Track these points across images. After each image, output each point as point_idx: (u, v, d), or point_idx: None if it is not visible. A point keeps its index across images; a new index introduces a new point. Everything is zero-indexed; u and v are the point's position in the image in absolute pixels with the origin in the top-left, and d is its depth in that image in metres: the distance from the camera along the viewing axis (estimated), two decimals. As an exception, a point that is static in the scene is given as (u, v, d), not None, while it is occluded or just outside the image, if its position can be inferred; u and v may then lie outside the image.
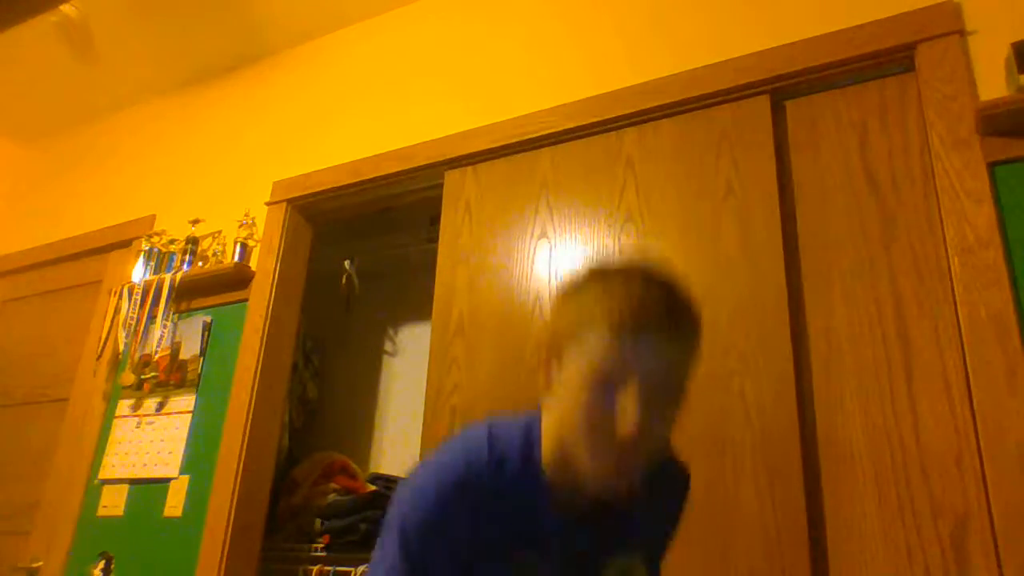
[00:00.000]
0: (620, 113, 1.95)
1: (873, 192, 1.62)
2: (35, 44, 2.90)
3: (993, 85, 1.53)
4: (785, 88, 1.78)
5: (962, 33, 1.59)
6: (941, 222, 1.51)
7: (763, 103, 1.78)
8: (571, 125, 2.00)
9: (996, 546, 1.30)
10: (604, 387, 0.84)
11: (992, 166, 1.48)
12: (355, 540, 2.40)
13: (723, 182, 1.76)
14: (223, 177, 2.77)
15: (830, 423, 1.51)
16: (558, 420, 0.91)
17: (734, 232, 1.71)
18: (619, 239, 1.85)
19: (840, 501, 1.45)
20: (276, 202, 2.53)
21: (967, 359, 1.41)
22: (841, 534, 1.43)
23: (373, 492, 2.55)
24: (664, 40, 1.99)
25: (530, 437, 0.94)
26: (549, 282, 1.91)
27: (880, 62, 1.68)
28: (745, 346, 1.61)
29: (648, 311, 0.84)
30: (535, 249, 1.96)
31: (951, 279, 1.47)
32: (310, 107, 2.62)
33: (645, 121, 1.92)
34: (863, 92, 1.71)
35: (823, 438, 1.50)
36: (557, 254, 1.93)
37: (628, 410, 0.83)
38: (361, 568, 2.15)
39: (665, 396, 0.89)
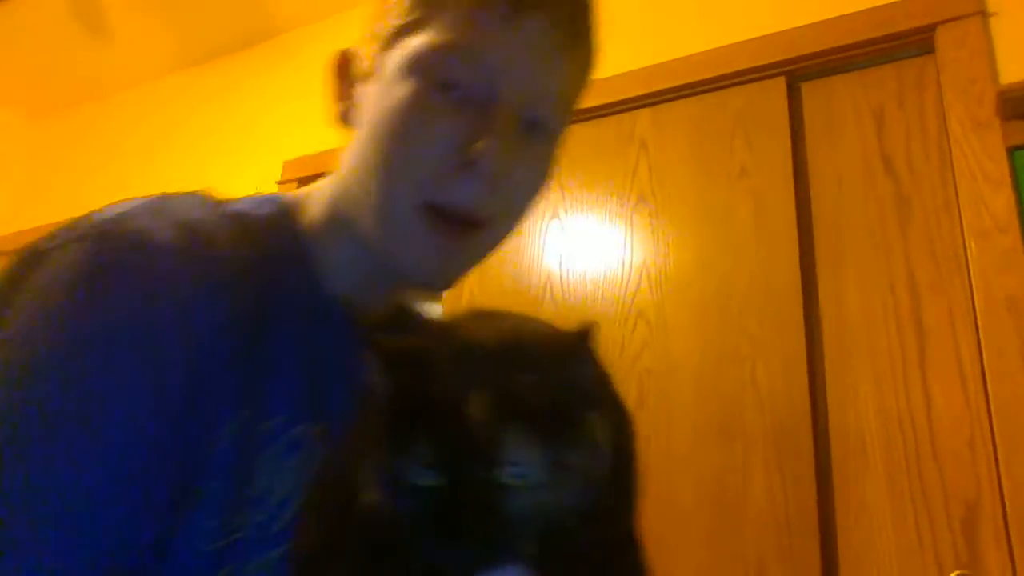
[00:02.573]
0: (634, 94, 1.93)
1: (889, 175, 1.60)
2: (47, 19, 2.89)
3: (1015, 68, 1.51)
4: (801, 70, 1.76)
5: (984, 14, 1.57)
6: (958, 206, 1.50)
7: (779, 85, 1.76)
8: (585, 105, 1.98)
9: (1007, 532, 1.30)
10: (455, 93, 0.59)
11: (1011, 150, 1.46)
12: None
13: (737, 164, 1.75)
14: (233, 156, 2.77)
15: (842, 408, 1.50)
16: (357, 159, 0.63)
17: (748, 215, 1.69)
18: (631, 220, 1.84)
19: (851, 486, 1.45)
20: (286, 181, 2.52)
21: (982, 344, 1.40)
22: (851, 519, 1.43)
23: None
24: (679, 21, 1.97)
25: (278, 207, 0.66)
26: (560, 263, 1.90)
27: (899, 44, 1.66)
28: (757, 330, 1.60)
29: None
30: (547, 229, 1.95)
31: (967, 264, 1.46)
32: (321, 86, 2.60)
33: (659, 102, 1.91)
34: (881, 74, 1.68)
35: (835, 423, 1.50)
36: (568, 235, 1.92)
37: (492, 127, 0.58)
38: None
39: (543, 137, 0.64)
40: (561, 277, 1.88)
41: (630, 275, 1.79)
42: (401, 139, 0.60)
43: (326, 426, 0.58)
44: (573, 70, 0.66)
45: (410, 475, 0.41)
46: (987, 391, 1.38)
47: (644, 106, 1.92)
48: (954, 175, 1.51)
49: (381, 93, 0.62)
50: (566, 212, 1.95)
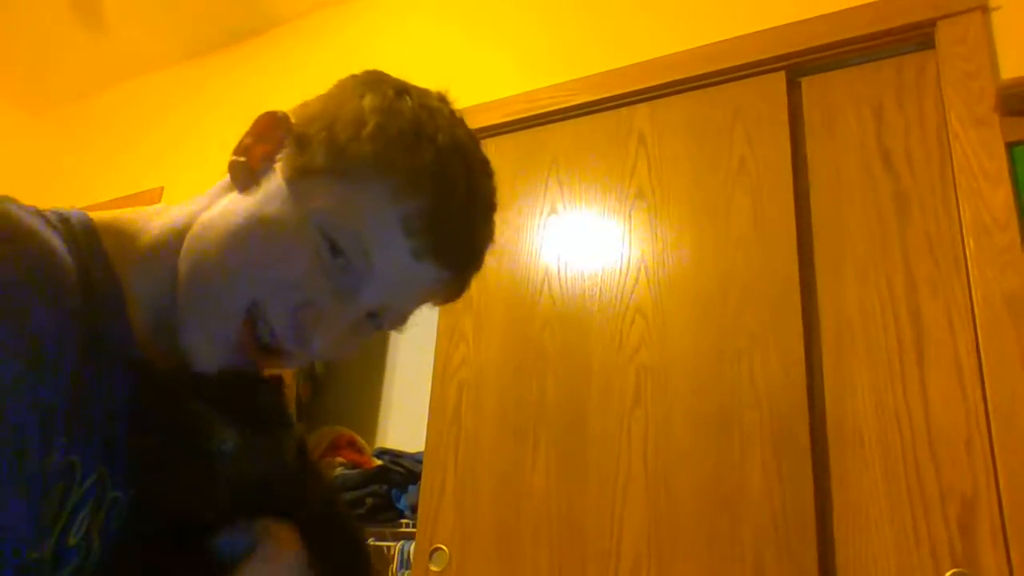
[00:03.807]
0: (632, 88, 1.92)
1: (888, 171, 1.60)
2: (44, 12, 2.88)
3: (1015, 63, 1.50)
4: (801, 65, 1.75)
5: (984, 9, 1.56)
6: (957, 203, 1.49)
7: (778, 80, 1.75)
8: (583, 100, 1.98)
9: (1004, 529, 1.30)
10: (338, 268, 0.61)
11: (1011, 146, 1.46)
12: (361, 514, 2.41)
13: (736, 159, 1.74)
14: (231, 148, 2.75)
15: (839, 404, 1.50)
16: (220, 232, 0.62)
17: (746, 210, 1.69)
18: (630, 215, 1.83)
19: (848, 482, 1.45)
20: (284, 175, 2.52)
21: (980, 341, 1.40)
22: (848, 515, 1.43)
23: (380, 466, 2.56)
24: (678, 15, 1.96)
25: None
26: (558, 258, 1.89)
27: (899, 39, 1.65)
28: (755, 325, 1.59)
29: (468, 241, 0.66)
30: (545, 225, 1.95)
31: (966, 260, 1.46)
32: (319, 77, 2.57)
33: (658, 97, 1.90)
34: (880, 70, 1.68)
35: (832, 419, 1.50)
36: (567, 230, 1.92)
37: (343, 319, 0.62)
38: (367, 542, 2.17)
39: (375, 330, 0.68)
40: (559, 272, 1.87)
41: (628, 270, 1.78)
42: (274, 252, 0.61)
43: (106, 472, 0.57)
44: (430, 303, 0.69)
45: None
46: (984, 388, 1.37)
47: (642, 100, 1.92)
48: (953, 171, 1.51)
49: (283, 202, 0.62)
50: (564, 207, 1.94)
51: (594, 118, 1.97)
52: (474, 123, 2.26)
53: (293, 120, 0.66)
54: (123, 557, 0.57)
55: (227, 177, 0.67)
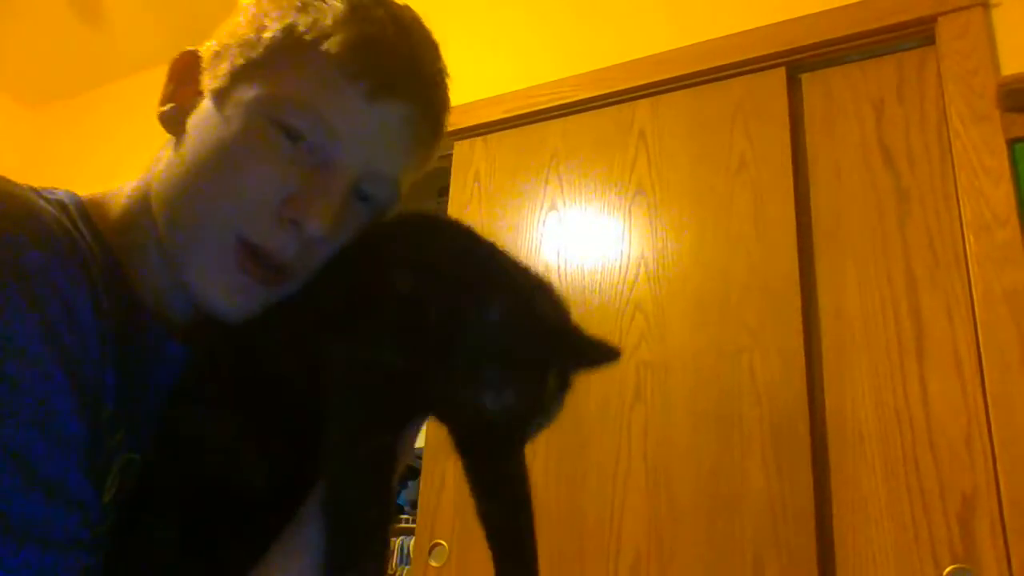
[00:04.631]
0: (633, 84, 1.91)
1: (889, 168, 1.59)
2: (42, 8, 2.87)
3: (1015, 59, 1.50)
4: (801, 61, 1.74)
5: (986, 5, 1.56)
6: (958, 199, 1.49)
7: (779, 76, 1.75)
8: (583, 96, 1.98)
9: (1003, 526, 1.30)
10: (299, 145, 0.59)
11: (1012, 143, 1.45)
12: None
13: (737, 156, 1.74)
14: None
15: (839, 401, 1.50)
16: (176, 176, 0.61)
17: (747, 206, 1.69)
18: (630, 212, 1.83)
19: (847, 479, 1.45)
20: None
21: (980, 338, 1.40)
22: (848, 512, 1.43)
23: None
24: (678, 11, 1.96)
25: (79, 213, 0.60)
26: (558, 255, 1.89)
27: (899, 35, 1.65)
28: (755, 322, 1.59)
29: (413, 68, 0.63)
30: (544, 221, 1.95)
31: (966, 257, 1.45)
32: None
33: (658, 93, 1.89)
34: (881, 66, 1.67)
35: (832, 416, 1.50)
36: (567, 227, 1.91)
37: (328, 192, 0.59)
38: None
39: (368, 210, 0.64)
40: (559, 269, 1.87)
41: (628, 267, 1.78)
42: (232, 170, 0.59)
43: (127, 435, 0.57)
44: (413, 161, 0.66)
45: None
46: (984, 384, 1.37)
47: (643, 97, 1.91)
48: (954, 167, 1.51)
49: (221, 118, 0.60)
50: (564, 203, 1.94)
51: (594, 114, 1.97)
52: (474, 119, 2.26)
53: (204, 51, 0.65)
54: (132, 519, 0.56)
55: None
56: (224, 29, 0.65)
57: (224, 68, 0.61)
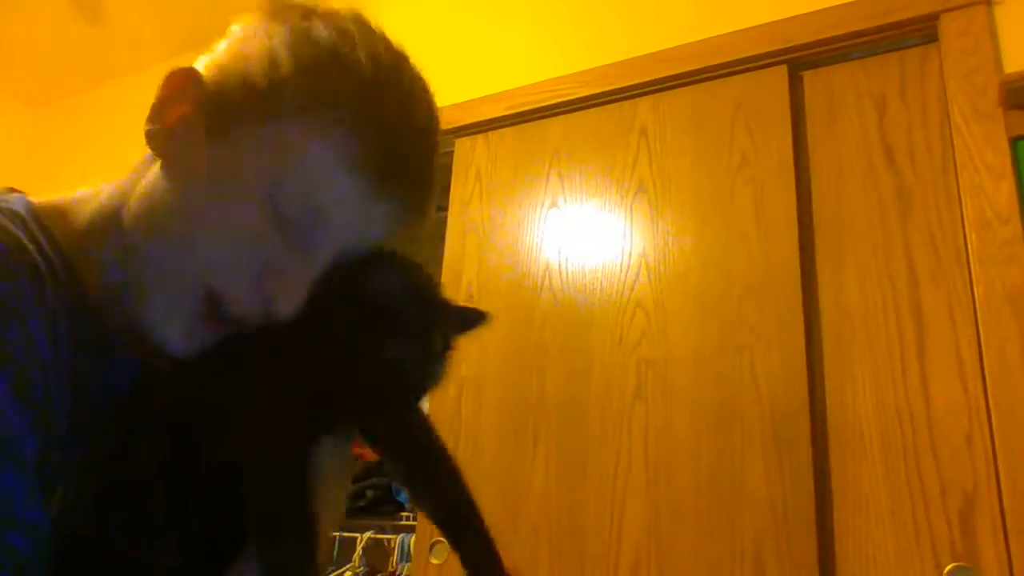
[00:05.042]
0: (634, 82, 1.91)
1: (890, 166, 1.59)
2: (44, 7, 2.87)
3: (1018, 57, 1.50)
4: (803, 58, 1.74)
5: (988, 3, 1.55)
6: (959, 197, 1.49)
7: (780, 73, 1.75)
8: (584, 93, 1.97)
9: (1004, 524, 1.30)
10: (289, 224, 0.57)
11: (1014, 140, 1.45)
12: (362, 506, 2.42)
13: (738, 153, 1.74)
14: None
15: (840, 399, 1.50)
16: (160, 208, 0.58)
17: (748, 204, 1.68)
18: (631, 209, 1.83)
19: (848, 477, 1.45)
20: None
21: (981, 336, 1.39)
22: (848, 510, 1.43)
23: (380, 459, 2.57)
24: (680, 8, 1.95)
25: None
26: (559, 252, 1.89)
27: (901, 33, 1.64)
28: (756, 320, 1.59)
29: (416, 164, 0.62)
30: (546, 218, 1.94)
31: (967, 255, 1.45)
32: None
33: (660, 90, 1.89)
34: (883, 63, 1.67)
35: (833, 414, 1.49)
36: (568, 224, 1.91)
37: (307, 274, 0.58)
38: (367, 534, 2.17)
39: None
40: (560, 266, 1.87)
41: (629, 264, 1.78)
42: (216, 225, 0.57)
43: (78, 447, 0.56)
44: (395, 240, 0.64)
45: None
46: (986, 383, 1.37)
47: (645, 94, 1.91)
48: (956, 165, 1.50)
49: (214, 165, 0.57)
50: (565, 201, 1.93)
51: (596, 111, 1.97)
52: (475, 116, 2.26)
53: (204, 73, 0.60)
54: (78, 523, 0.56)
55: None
56: (231, 52, 0.61)
57: (222, 115, 0.58)
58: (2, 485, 0.47)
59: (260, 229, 0.56)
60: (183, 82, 0.60)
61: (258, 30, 0.60)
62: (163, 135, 0.60)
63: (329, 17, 0.61)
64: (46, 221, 0.59)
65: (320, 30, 0.59)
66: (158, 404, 0.61)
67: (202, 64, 0.61)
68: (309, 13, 0.61)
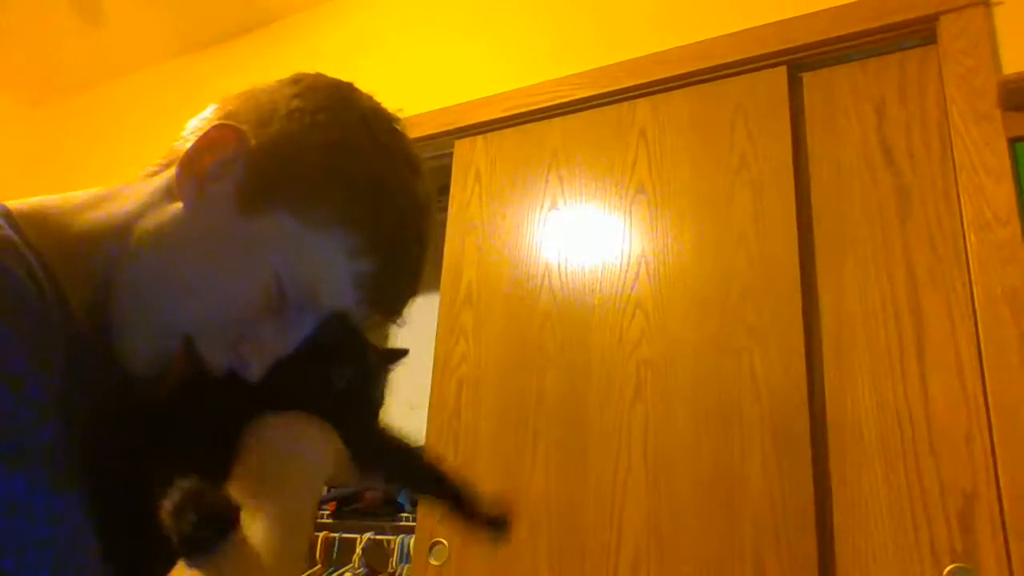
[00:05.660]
0: (633, 83, 1.91)
1: (890, 167, 1.59)
2: (43, 6, 2.87)
3: (1017, 58, 1.50)
4: (802, 60, 1.74)
5: (987, 4, 1.55)
6: (958, 198, 1.49)
7: (780, 75, 1.75)
8: (584, 95, 1.98)
9: (1004, 524, 1.30)
10: (285, 302, 0.60)
11: (1013, 142, 1.46)
12: (361, 508, 2.42)
13: (737, 155, 1.74)
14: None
15: (839, 399, 1.50)
16: (170, 252, 0.60)
17: (747, 205, 1.69)
18: (630, 210, 1.83)
19: (847, 477, 1.45)
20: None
21: (980, 337, 1.40)
22: (848, 510, 1.43)
23: (379, 460, 2.57)
24: (678, 9, 1.96)
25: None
26: (559, 253, 1.89)
27: (901, 34, 1.65)
28: (756, 321, 1.59)
29: (411, 293, 0.68)
30: (545, 219, 1.95)
31: (967, 256, 1.45)
32: (319, 71, 2.58)
33: (659, 92, 1.89)
34: (882, 65, 1.67)
35: (832, 414, 1.50)
36: (567, 225, 1.91)
37: (284, 346, 0.61)
38: (367, 535, 2.17)
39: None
40: (559, 267, 1.87)
41: (628, 265, 1.78)
42: (218, 290, 0.60)
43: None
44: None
45: None
46: (985, 383, 1.37)
47: (643, 95, 1.91)
48: (955, 166, 1.51)
49: (236, 230, 0.60)
50: (564, 202, 1.94)
51: (595, 113, 1.97)
52: (474, 118, 2.26)
53: (252, 140, 0.61)
54: None
55: (163, 174, 0.63)
56: (282, 133, 0.62)
57: (261, 193, 0.60)
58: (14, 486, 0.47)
59: (259, 301, 0.59)
60: (228, 139, 0.61)
61: (313, 120, 0.63)
62: (195, 186, 0.61)
63: (379, 128, 0.66)
64: (25, 227, 0.57)
65: (367, 145, 0.64)
66: (130, 407, 0.62)
67: (251, 122, 0.62)
68: (363, 117, 0.66)
